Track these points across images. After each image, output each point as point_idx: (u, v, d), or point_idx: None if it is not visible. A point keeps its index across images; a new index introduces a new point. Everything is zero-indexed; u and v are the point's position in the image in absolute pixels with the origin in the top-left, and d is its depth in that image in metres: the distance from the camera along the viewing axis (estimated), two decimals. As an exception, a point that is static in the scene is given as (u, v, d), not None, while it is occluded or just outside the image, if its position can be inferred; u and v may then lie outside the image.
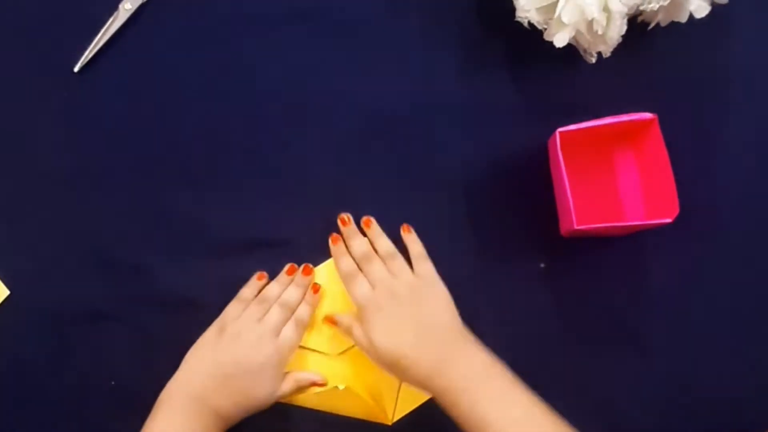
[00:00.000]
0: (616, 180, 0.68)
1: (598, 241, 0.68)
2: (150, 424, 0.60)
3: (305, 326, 0.66)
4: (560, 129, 0.63)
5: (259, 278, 0.68)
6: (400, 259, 0.66)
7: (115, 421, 0.67)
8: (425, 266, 0.65)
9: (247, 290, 0.67)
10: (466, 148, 0.70)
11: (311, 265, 0.68)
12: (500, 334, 0.66)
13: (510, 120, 0.70)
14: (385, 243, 0.67)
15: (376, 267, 0.65)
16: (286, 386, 0.64)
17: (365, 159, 0.70)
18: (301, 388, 0.66)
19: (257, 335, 0.64)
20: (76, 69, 0.70)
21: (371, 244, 0.67)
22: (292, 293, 0.67)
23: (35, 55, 0.70)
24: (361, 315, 0.63)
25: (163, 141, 0.70)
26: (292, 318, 0.66)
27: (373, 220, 0.68)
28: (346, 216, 0.68)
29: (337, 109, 0.70)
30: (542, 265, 0.69)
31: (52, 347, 0.69)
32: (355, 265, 0.66)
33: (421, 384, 0.60)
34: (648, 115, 0.63)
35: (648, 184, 0.67)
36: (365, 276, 0.65)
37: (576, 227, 0.61)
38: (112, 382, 0.68)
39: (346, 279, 0.65)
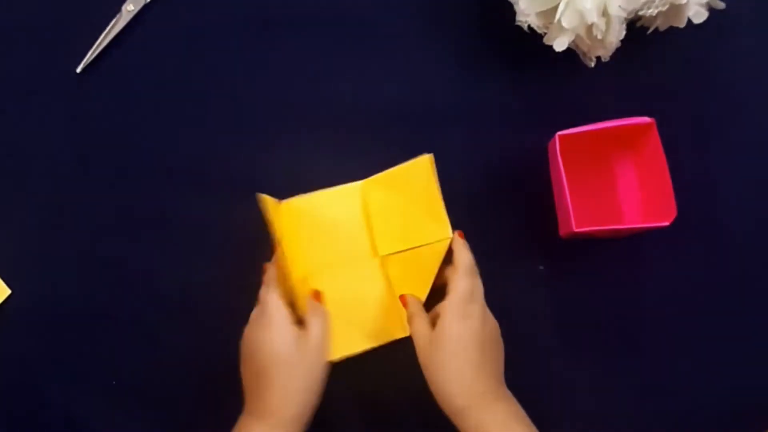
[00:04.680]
0: (615, 183, 0.69)
1: (596, 244, 0.69)
2: None
3: (272, 281, 0.62)
4: (560, 132, 0.63)
5: None
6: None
7: (116, 420, 0.68)
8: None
9: None
10: (465, 151, 0.70)
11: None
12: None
13: (509, 123, 0.70)
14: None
15: (481, 286, 0.62)
16: (314, 326, 0.61)
17: (364, 160, 0.70)
18: (318, 312, 0.63)
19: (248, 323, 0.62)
20: (78, 70, 0.70)
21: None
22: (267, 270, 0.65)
23: (38, 56, 0.71)
24: (449, 309, 0.60)
25: (165, 141, 0.70)
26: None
27: None
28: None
29: (337, 110, 0.71)
30: (541, 267, 0.69)
31: (53, 346, 0.69)
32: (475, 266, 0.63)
33: (449, 401, 0.58)
34: (646, 120, 0.64)
35: (646, 187, 0.68)
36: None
37: (575, 230, 0.62)
38: (113, 382, 0.68)
39: (466, 273, 0.61)
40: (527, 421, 0.58)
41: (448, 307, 0.60)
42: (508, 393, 0.60)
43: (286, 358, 0.58)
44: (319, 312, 0.63)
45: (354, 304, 0.68)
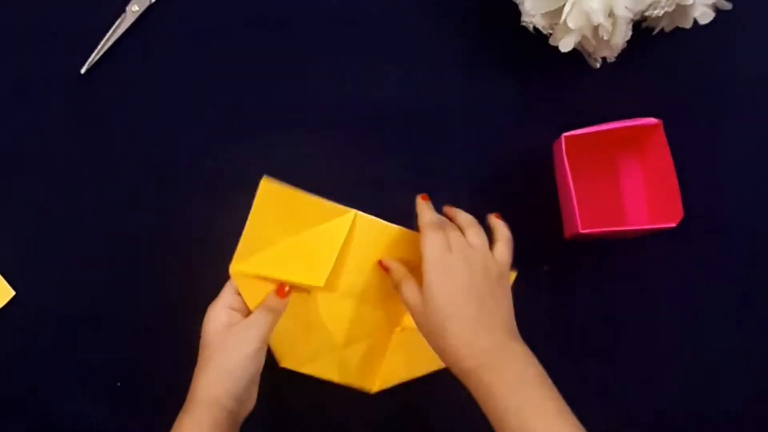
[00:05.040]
0: (621, 184, 0.69)
1: (601, 245, 0.69)
2: None
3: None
4: (565, 133, 0.63)
5: None
6: (480, 229, 0.59)
7: (120, 422, 0.68)
8: (506, 252, 0.60)
9: None
10: (470, 152, 0.70)
11: None
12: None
13: (514, 124, 0.70)
14: (464, 214, 0.61)
15: (457, 234, 0.58)
16: (253, 315, 0.60)
17: (369, 161, 0.70)
18: (268, 305, 0.61)
19: None
20: (82, 71, 0.70)
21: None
22: None
23: (42, 57, 0.70)
24: (427, 270, 0.56)
25: (169, 142, 0.70)
26: None
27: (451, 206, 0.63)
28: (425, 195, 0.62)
29: (340, 111, 0.70)
30: (546, 268, 0.69)
31: (57, 348, 0.69)
32: (441, 219, 0.60)
33: (457, 365, 0.55)
34: (653, 121, 0.64)
35: (652, 188, 0.67)
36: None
37: (581, 231, 0.62)
38: (118, 383, 0.68)
39: (428, 228, 0.58)
40: (540, 380, 0.54)
41: (425, 267, 0.56)
42: (520, 346, 0.56)
43: (209, 340, 0.59)
44: (269, 306, 0.60)
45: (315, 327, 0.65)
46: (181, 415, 0.57)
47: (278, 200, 0.61)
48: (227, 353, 0.58)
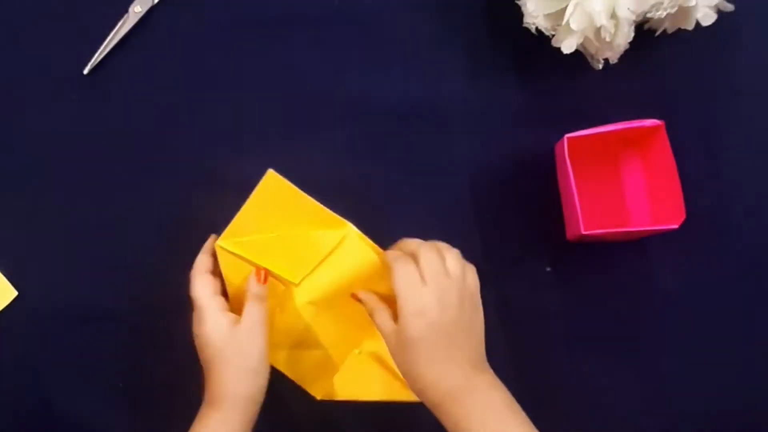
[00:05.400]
0: (623, 185, 0.69)
1: (604, 246, 0.69)
2: None
3: (200, 273, 0.63)
4: (568, 134, 0.63)
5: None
6: (456, 252, 0.59)
7: (124, 422, 0.68)
8: (475, 277, 0.59)
9: None
10: (473, 153, 0.70)
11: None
12: (505, 337, 0.67)
13: (517, 125, 0.70)
14: (439, 242, 0.60)
15: (431, 259, 0.57)
16: (246, 311, 0.60)
17: (371, 162, 0.70)
18: (253, 296, 0.61)
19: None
20: (85, 71, 0.70)
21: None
22: None
23: (45, 58, 0.71)
24: (400, 305, 0.56)
25: (171, 143, 0.70)
26: None
27: None
28: None
29: (343, 111, 0.70)
30: (548, 269, 0.69)
31: (60, 348, 0.69)
32: (411, 249, 0.59)
33: (424, 396, 0.56)
34: (655, 122, 0.64)
35: (654, 189, 0.67)
36: (417, 264, 0.57)
37: (583, 232, 0.62)
38: (120, 384, 0.68)
39: (397, 261, 0.57)
40: (507, 408, 0.55)
41: (399, 302, 0.56)
42: (489, 378, 0.56)
43: (221, 346, 0.60)
44: (257, 295, 0.61)
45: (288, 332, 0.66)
46: (206, 414, 0.59)
47: (279, 193, 0.62)
48: (246, 353, 0.60)
